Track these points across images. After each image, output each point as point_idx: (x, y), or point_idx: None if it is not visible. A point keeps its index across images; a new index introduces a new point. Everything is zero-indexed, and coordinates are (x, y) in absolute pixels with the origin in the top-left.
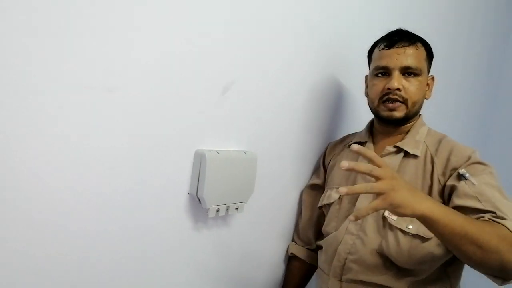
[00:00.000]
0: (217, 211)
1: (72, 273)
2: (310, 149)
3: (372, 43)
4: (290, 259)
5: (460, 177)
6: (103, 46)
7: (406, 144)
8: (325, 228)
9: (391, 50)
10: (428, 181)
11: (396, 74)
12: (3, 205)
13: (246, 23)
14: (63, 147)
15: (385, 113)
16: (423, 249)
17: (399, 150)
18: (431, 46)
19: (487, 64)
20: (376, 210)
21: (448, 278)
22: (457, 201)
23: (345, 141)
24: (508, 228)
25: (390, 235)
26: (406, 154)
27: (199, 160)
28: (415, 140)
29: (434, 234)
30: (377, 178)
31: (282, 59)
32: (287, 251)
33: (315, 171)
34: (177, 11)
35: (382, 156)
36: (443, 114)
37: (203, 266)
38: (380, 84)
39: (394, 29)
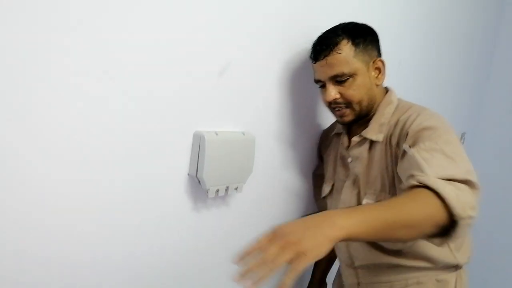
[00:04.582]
0: (217, 191)
1: (75, 257)
2: (308, 128)
3: None
4: None
5: (404, 152)
6: (100, 28)
7: (370, 131)
8: None
9: (318, 63)
10: (390, 163)
11: (329, 85)
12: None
13: (242, 3)
14: (59, 131)
15: (338, 119)
16: None
17: (364, 139)
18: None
19: (481, 28)
20: (296, 274)
21: (451, 251)
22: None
23: (333, 129)
24: (427, 186)
25: None
26: (373, 141)
27: (198, 141)
28: (379, 124)
29: (368, 240)
30: (275, 246)
31: (277, 39)
32: None
33: (317, 160)
34: None
35: (350, 148)
36: (434, 84)
37: (204, 246)
38: (323, 96)
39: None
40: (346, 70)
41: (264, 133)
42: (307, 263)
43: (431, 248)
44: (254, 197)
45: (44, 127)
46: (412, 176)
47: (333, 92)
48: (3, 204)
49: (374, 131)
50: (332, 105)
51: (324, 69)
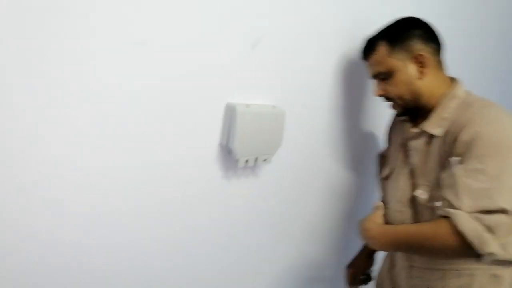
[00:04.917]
0: (246, 161)
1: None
2: (338, 106)
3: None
4: None
5: (451, 164)
6: None
7: (429, 124)
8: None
9: (366, 63)
10: (446, 159)
11: (375, 82)
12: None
13: None
14: (98, 92)
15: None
16: None
17: (423, 131)
18: None
19: None
20: None
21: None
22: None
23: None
24: (451, 219)
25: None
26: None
27: (230, 113)
28: (440, 117)
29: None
30: None
31: (315, 17)
32: None
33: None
34: None
35: (410, 138)
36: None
37: (233, 213)
38: None
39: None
40: (382, 69)
41: (295, 108)
42: None
43: None
44: (282, 170)
45: (81, 97)
46: (446, 201)
47: (377, 88)
48: (47, 191)
49: (433, 125)
50: (383, 99)
51: (369, 68)
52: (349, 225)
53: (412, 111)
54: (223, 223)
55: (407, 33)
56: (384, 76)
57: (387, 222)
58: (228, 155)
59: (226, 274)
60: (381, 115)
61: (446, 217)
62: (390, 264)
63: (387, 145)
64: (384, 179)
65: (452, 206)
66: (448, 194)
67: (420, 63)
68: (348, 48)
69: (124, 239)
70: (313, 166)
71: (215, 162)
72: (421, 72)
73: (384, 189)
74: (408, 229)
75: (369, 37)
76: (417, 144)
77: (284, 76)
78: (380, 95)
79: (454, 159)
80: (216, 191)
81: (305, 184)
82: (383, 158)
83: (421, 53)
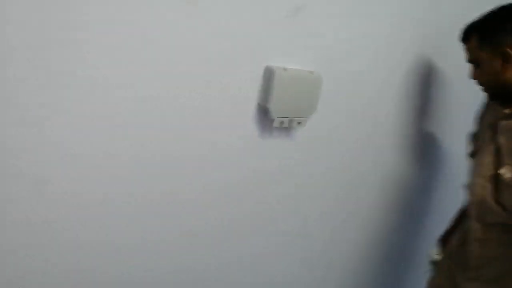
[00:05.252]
0: (281, 122)
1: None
2: (381, 77)
3: None
4: None
5: None
6: None
7: None
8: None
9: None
10: None
11: (470, 66)
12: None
13: None
14: (148, 49)
15: None
16: None
17: None
18: None
19: None
20: None
21: None
22: None
23: None
24: None
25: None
26: None
27: (268, 75)
28: None
29: None
30: None
31: None
32: None
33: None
34: None
35: (500, 118)
36: None
37: (267, 170)
38: None
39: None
40: (472, 58)
41: (335, 75)
42: None
43: None
44: (315, 134)
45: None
46: None
47: (470, 73)
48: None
49: None
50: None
51: (465, 53)
52: (381, 198)
53: (502, 96)
54: (255, 180)
55: (499, 27)
56: (475, 64)
57: (468, 196)
58: (265, 115)
59: (253, 225)
60: (438, 94)
61: None
62: (461, 239)
63: (477, 127)
64: (471, 156)
65: None
66: None
67: (505, 58)
68: (398, 15)
69: (166, 189)
70: (349, 137)
71: (252, 120)
72: (505, 67)
73: (470, 165)
74: None
75: (467, 25)
76: (506, 125)
77: (325, 43)
78: (473, 79)
79: None
80: (251, 149)
81: (338, 154)
82: (473, 137)
83: (508, 49)
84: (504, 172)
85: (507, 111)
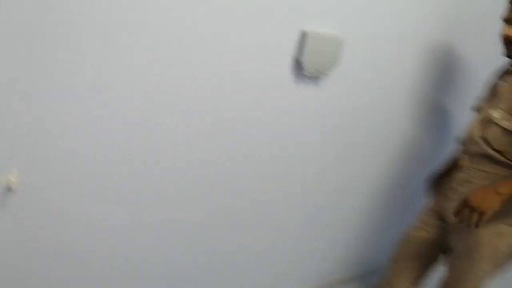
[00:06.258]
0: (311, 72)
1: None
2: (398, 45)
3: None
4: None
5: None
6: None
7: None
8: None
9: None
10: None
11: (504, 26)
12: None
13: None
14: (197, 12)
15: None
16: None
17: None
18: None
19: None
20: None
21: None
22: None
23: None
24: None
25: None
26: None
27: (303, 36)
28: None
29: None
30: None
31: None
32: None
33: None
34: None
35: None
36: None
37: (300, 106)
38: (503, 31)
39: None
40: (508, 17)
41: (354, 38)
42: (486, 219)
43: None
44: (337, 85)
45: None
46: None
47: (504, 29)
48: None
49: None
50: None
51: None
52: (399, 155)
53: None
54: (294, 124)
55: None
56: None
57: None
58: (299, 67)
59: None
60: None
61: None
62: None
63: (487, 92)
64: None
65: None
66: None
67: None
68: None
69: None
70: (365, 91)
71: (289, 69)
72: None
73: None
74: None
75: None
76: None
77: (354, 6)
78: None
79: None
80: (287, 93)
81: (356, 101)
82: (480, 100)
83: None
84: (495, 114)
85: None
